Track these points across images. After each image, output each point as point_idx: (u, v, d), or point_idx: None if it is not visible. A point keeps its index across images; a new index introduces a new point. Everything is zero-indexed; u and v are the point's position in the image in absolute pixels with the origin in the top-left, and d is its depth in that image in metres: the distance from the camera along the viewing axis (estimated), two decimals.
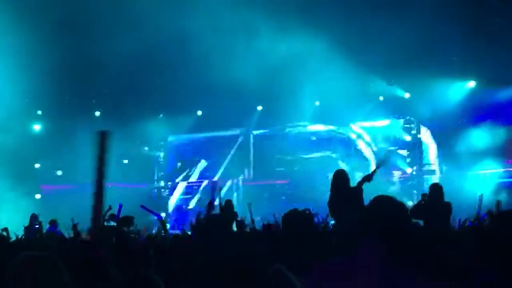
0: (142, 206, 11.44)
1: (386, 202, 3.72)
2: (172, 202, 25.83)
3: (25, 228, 15.64)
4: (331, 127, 23.92)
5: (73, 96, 22.27)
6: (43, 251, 3.79)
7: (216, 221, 6.32)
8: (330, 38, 18.42)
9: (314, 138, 24.17)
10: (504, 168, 20.78)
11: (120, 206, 11.59)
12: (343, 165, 21.61)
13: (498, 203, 10.85)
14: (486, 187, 19.28)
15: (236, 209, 16.33)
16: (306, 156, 24.11)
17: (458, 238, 6.25)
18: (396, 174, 22.92)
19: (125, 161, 24.15)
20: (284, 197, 24.01)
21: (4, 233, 15.12)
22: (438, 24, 17.93)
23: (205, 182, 25.21)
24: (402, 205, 3.72)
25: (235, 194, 24.71)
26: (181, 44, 19.20)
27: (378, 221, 3.56)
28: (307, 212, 6.66)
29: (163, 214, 24.76)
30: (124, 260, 5.25)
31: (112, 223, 12.22)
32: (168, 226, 23.85)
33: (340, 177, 9.92)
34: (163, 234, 10.65)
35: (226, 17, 18.10)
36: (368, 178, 9.94)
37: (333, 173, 10.11)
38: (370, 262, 3.46)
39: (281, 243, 5.89)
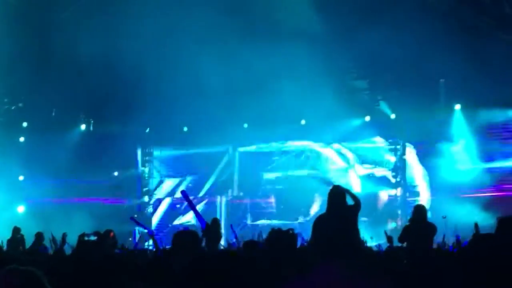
0: (132, 218, 11.35)
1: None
2: (156, 218, 25.71)
3: (7, 240, 15.56)
4: (317, 146, 23.94)
5: (59, 109, 22.19)
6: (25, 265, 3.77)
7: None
8: (318, 56, 18.50)
9: (299, 157, 24.17)
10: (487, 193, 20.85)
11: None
12: (329, 184, 21.56)
13: (476, 225, 10.89)
14: (471, 210, 19.42)
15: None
16: (291, 174, 24.09)
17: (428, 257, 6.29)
18: (382, 195, 22.94)
19: (114, 174, 24.14)
20: (268, 215, 23.96)
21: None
22: (426, 44, 18.08)
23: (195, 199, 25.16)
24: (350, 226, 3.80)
25: (219, 212, 24.69)
26: (168, 59, 19.26)
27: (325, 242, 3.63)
28: (291, 232, 6.64)
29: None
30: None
31: (93, 238, 12.11)
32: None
33: (336, 194, 9.56)
34: (154, 249, 10.55)
35: (213, 33, 18.17)
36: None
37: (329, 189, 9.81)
38: (328, 280, 3.51)
39: (261, 262, 5.88)
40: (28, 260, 6.18)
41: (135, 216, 21.92)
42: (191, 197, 23.26)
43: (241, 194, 24.88)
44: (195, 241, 5.97)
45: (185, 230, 6.65)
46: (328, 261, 3.69)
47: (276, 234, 6.24)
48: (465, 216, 18.24)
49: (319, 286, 3.61)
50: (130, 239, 16.24)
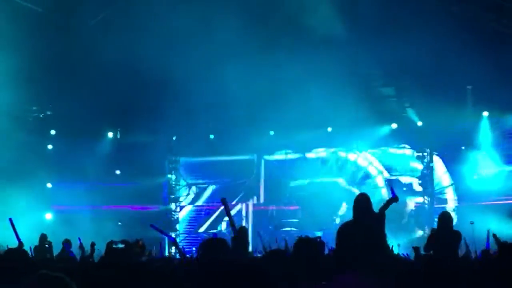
0: (152, 226, 11.21)
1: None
2: (182, 225, 25.81)
3: (34, 248, 15.65)
4: (343, 154, 23.88)
5: (86, 117, 22.34)
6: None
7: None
8: (344, 63, 18.48)
9: (325, 164, 24.11)
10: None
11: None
12: (355, 192, 21.50)
13: (494, 236, 10.80)
14: (498, 218, 19.27)
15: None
16: (316, 181, 24.03)
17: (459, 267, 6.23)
18: (409, 203, 22.81)
19: (137, 183, 24.27)
20: (293, 223, 23.92)
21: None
22: (453, 51, 17.97)
23: (222, 206, 25.17)
24: (376, 235, 3.79)
25: (245, 219, 24.75)
26: (194, 68, 19.33)
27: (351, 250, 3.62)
28: (318, 240, 6.63)
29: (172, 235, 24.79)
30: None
31: (120, 246, 12.17)
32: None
33: (362, 201, 9.60)
34: (178, 255, 10.53)
35: (238, 41, 18.21)
36: (394, 200, 9.85)
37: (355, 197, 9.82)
38: None
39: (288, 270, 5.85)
40: (55, 267, 6.23)
41: (156, 224, 22.02)
42: (218, 205, 23.51)
43: (267, 201, 24.88)
44: (224, 248, 5.97)
45: (214, 237, 6.67)
46: (353, 269, 3.68)
47: (303, 242, 6.22)
48: (493, 223, 18.15)
49: None
50: (155, 247, 16.19)
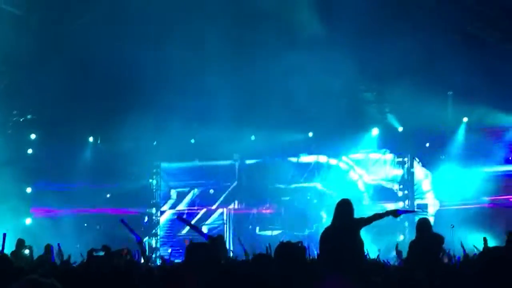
0: (122, 221, 11.00)
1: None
2: (163, 229, 25.74)
3: (11, 253, 15.48)
4: (324, 158, 23.94)
5: (66, 122, 22.22)
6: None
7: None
8: (326, 68, 18.52)
9: (306, 169, 24.16)
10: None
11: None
12: (336, 197, 21.55)
13: (485, 239, 10.87)
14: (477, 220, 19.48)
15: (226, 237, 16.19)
16: (298, 186, 24.08)
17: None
18: (389, 208, 22.89)
19: (118, 188, 24.18)
20: (275, 227, 23.94)
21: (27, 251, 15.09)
22: (435, 57, 18.08)
23: (203, 210, 25.19)
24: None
25: (227, 223, 24.78)
26: (176, 72, 19.31)
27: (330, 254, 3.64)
28: (300, 245, 6.63)
29: (153, 241, 24.71)
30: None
31: (101, 253, 12.03)
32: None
33: (343, 206, 9.47)
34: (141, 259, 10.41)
35: (220, 46, 18.20)
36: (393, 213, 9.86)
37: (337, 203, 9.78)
38: None
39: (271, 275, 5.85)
40: (33, 273, 6.19)
41: (136, 229, 21.99)
42: (195, 207, 23.50)
43: (248, 205, 24.90)
44: (211, 254, 5.94)
45: (199, 243, 6.63)
46: (334, 274, 3.71)
47: (285, 247, 6.23)
48: (472, 228, 18.33)
49: None
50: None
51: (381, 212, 9.85)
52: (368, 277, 7.18)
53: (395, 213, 9.99)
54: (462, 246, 11.72)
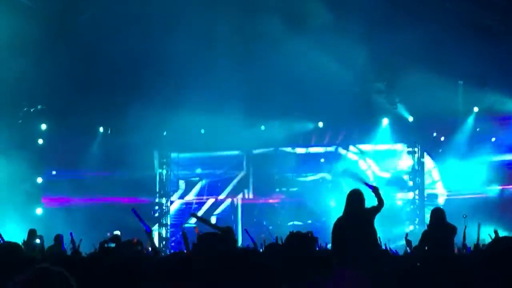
0: (133, 210, 10.93)
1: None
2: (172, 219, 25.80)
3: (23, 243, 15.56)
4: (334, 149, 23.93)
5: (77, 112, 22.26)
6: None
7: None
8: (336, 58, 18.50)
9: (316, 159, 24.15)
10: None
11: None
12: (345, 188, 21.53)
13: (496, 232, 10.84)
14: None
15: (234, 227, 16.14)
16: (307, 178, 24.10)
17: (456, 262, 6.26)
18: (399, 198, 22.90)
19: (128, 177, 24.25)
20: (284, 218, 23.94)
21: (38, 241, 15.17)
22: (445, 47, 18.02)
23: (211, 200, 25.23)
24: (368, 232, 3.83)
25: (236, 213, 24.84)
26: (186, 62, 19.30)
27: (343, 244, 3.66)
28: (310, 235, 6.63)
29: (163, 231, 24.77)
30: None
31: (112, 245, 12.06)
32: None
33: (355, 197, 9.48)
34: (150, 250, 10.38)
35: (230, 36, 18.19)
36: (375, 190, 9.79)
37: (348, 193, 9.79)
38: (346, 284, 3.53)
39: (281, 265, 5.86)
40: (44, 262, 6.20)
41: (145, 218, 22.07)
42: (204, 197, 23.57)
43: (256, 195, 24.93)
44: (221, 241, 5.96)
45: (210, 233, 6.65)
46: (346, 265, 3.72)
47: (295, 237, 6.23)
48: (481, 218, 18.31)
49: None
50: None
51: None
52: (381, 268, 7.18)
53: (375, 188, 9.92)
54: (464, 237, 11.62)
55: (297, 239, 6.13)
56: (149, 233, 9.95)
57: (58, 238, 15.56)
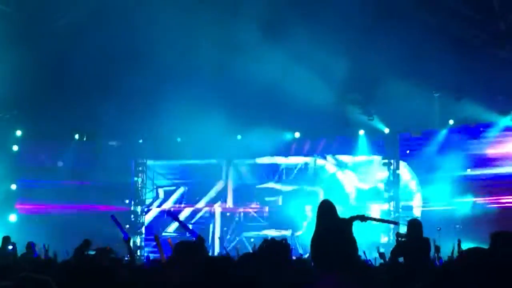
0: (112, 217, 10.80)
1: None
2: (148, 228, 25.68)
3: None
4: (310, 159, 23.99)
5: (52, 119, 22.10)
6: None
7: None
8: (312, 69, 18.55)
9: (293, 170, 24.21)
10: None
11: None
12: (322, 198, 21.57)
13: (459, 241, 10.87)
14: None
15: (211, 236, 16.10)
16: (285, 185, 24.13)
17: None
18: (374, 209, 22.97)
19: (103, 186, 24.13)
20: (261, 227, 23.96)
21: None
22: (422, 59, 18.14)
23: (189, 209, 25.15)
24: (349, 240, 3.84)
25: (213, 222, 24.80)
26: (164, 71, 19.26)
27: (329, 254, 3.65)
28: (284, 242, 6.61)
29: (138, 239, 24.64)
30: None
31: (92, 252, 11.91)
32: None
33: (326, 207, 9.31)
34: (128, 257, 10.31)
35: (207, 44, 18.17)
36: (361, 218, 9.70)
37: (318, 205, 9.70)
38: None
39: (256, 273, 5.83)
40: (18, 269, 6.15)
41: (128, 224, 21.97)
42: (182, 205, 23.50)
43: (234, 205, 24.91)
44: (197, 252, 5.90)
45: (186, 241, 6.59)
46: (326, 276, 3.70)
47: (269, 244, 6.20)
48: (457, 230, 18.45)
49: None
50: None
51: (355, 215, 9.76)
52: (362, 277, 7.14)
53: (363, 217, 9.87)
54: (437, 249, 11.62)
55: (271, 245, 6.11)
56: (127, 240, 9.80)
57: (30, 246, 15.43)
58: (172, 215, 15.95)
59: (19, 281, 3.52)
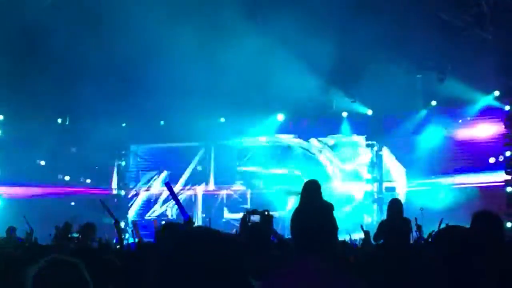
0: (101, 201, 10.76)
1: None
2: (132, 211, 25.68)
3: None
4: (294, 141, 24.01)
5: (34, 102, 21.96)
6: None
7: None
8: (296, 52, 18.51)
9: (276, 151, 24.22)
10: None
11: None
12: (304, 179, 21.60)
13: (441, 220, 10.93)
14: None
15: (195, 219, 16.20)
16: (267, 168, 24.17)
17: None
18: (358, 190, 23.06)
19: (86, 170, 24.09)
20: (243, 209, 23.98)
21: None
22: (404, 40, 18.15)
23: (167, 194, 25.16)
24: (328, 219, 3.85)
25: (196, 205, 24.83)
26: (145, 53, 19.16)
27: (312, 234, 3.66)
28: (266, 213, 6.64)
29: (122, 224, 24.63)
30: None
31: (75, 235, 11.85)
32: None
33: (312, 186, 9.53)
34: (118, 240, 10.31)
35: (189, 27, 18.08)
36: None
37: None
38: (308, 274, 3.53)
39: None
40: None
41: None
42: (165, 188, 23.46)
43: (217, 187, 24.95)
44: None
45: (173, 223, 6.63)
46: (304, 256, 3.70)
47: (250, 214, 6.25)
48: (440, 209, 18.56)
49: (295, 280, 3.61)
50: (106, 234, 15.85)
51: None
52: (346, 257, 7.19)
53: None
54: (418, 228, 11.63)
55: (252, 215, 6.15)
56: (117, 224, 9.78)
57: (9, 231, 15.31)
58: (170, 189, 15.88)
59: (49, 263, 3.49)
